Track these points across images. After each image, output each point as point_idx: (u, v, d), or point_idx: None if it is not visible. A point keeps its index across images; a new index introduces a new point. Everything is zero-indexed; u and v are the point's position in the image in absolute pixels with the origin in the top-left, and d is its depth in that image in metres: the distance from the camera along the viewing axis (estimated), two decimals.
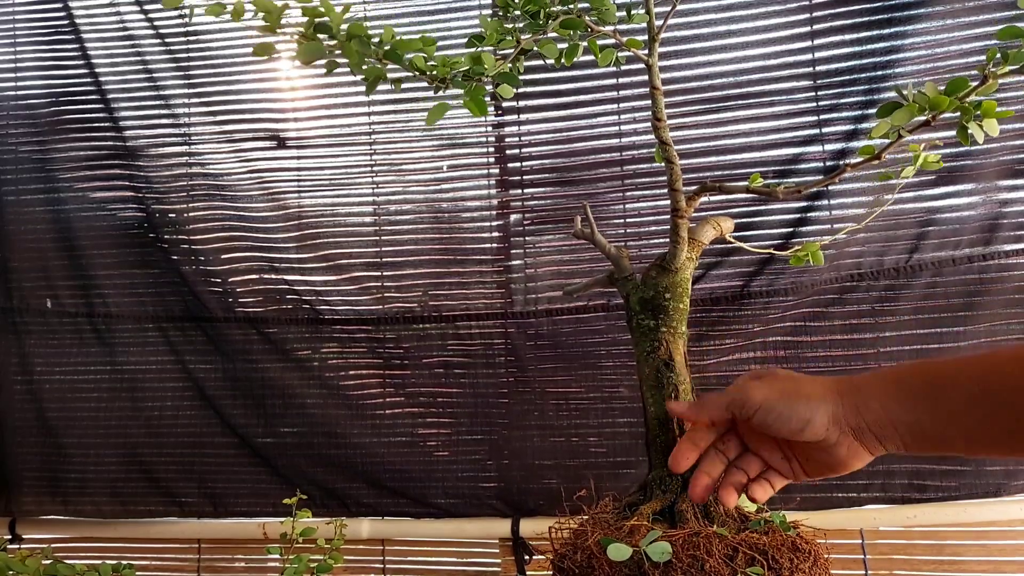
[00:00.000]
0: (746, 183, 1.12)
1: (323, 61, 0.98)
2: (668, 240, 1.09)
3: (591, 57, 1.19)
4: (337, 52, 0.93)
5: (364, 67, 0.94)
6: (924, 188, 1.62)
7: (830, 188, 1.64)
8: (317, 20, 0.93)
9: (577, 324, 1.77)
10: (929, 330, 1.63)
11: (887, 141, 1.01)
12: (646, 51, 1.06)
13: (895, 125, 0.95)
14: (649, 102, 1.74)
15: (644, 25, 1.06)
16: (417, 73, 0.93)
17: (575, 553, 0.98)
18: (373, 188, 1.86)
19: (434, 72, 0.93)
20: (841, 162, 1.62)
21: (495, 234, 1.82)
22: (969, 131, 0.95)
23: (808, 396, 0.71)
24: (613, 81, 1.74)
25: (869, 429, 0.68)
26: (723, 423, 0.79)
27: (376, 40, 0.94)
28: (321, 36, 0.93)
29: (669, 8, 1.08)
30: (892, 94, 1.61)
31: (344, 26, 0.94)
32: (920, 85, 1.43)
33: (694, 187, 1.16)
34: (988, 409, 0.61)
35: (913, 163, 1.08)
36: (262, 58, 1.87)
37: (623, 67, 1.67)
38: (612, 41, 1.07)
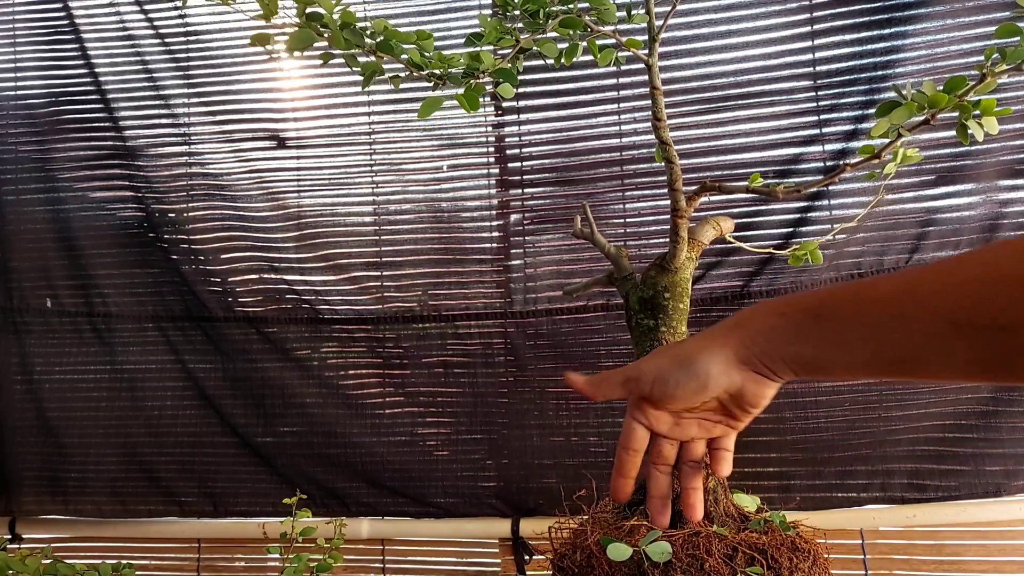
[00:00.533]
0: (746, 183, 1.12)
1: (319, 54, 0.97)
2: (668, 240, 1.09)
3: (591, 57, 1.18)
4: (333, 45, 0.93)
5: (361, 60, 0.94)
6: (924, 188, 1.62)
7: (830, 188, 1.64)
8: (309, 9, 0.93)
9: (577, 324, 1.77)
10: None
11: (887, 140, 1.01)
12: (646, 51, 1.06)
13: (894, 124, 0.95)
14: (649, 102, 1.74)
15: (644, 25, 1.06)
16: (414, 70, 0.93)
17: (575, 553, 0.98)
18: (373, 188, 1.86)
19: (432, 69, 0.93)
20: (841, 162, 1.62)
21: (495, 234, 1.82)
22: (969, 130, 0.95)
23: (696, 353, 0.69)
24: (613, 81, 1.74)
25: (759, 360, 0.67)
26: (647, 440, 0.75)
27: (369, 31, 0.94)
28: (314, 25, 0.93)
29: (669, 8, 1.07)
30: (892, 94, 1.61)
31: (336, 15, 0.93)
32: (919, 84, 1.43)
33: (694, 187, 1.16)
34: (877, 342, 0.60)
35: (894, 159, 1.08)
36: (262, 58, 1.89)
37: (623, 67, 1.67)
38: (612, 41, 1.07)
